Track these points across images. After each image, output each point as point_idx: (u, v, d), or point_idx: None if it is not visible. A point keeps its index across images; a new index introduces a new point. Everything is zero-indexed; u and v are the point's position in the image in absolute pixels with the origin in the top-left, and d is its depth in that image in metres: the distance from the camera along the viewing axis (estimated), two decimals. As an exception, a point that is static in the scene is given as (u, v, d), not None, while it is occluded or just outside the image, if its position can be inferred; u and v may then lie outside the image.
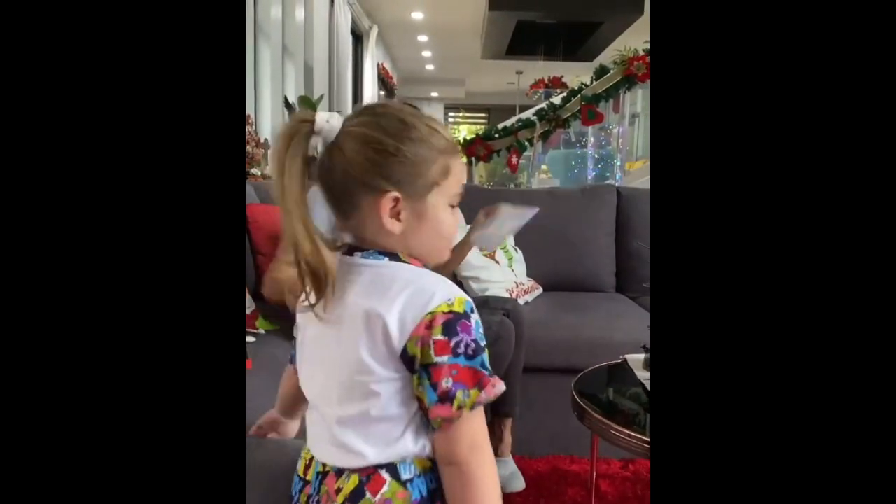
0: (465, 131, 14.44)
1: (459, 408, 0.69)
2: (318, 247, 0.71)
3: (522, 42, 7.68)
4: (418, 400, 0.71)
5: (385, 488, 0.72)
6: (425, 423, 0.72)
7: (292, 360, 0.93)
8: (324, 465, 0.77)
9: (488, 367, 0.71)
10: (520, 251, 2.46)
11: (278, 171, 0.71)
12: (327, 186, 0.75)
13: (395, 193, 0.73)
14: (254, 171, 3.42)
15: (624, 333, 1.91)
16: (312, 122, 0.72)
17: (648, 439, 1.16)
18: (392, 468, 0.73)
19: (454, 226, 0.80)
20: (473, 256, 2.22)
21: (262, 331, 1.77)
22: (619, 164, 5.87)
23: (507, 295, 2.15)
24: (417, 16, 7.78)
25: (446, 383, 0.69)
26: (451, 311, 0.70)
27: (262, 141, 3.75)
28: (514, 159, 5.17)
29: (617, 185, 3.06)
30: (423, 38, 9.04)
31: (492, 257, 2.28)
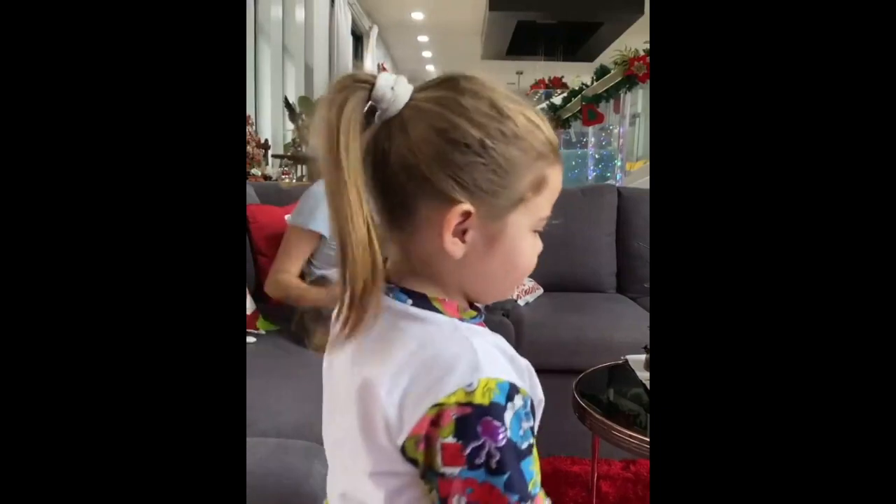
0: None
1: None
2: (378, 265, 0.51)
3: (523, 42, 7.68)
4: None
5: None
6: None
7: None
8: None
9: (525, 482, 0.50)
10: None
11: (328, 149, 0.50)
12: (376, 175, 0.54)
13: (468, 207, 0.53)
14: (254, 171, 3.42)
15: (625, 334, 1.91)
16: (371, 85, 0.52)
17: (649, 440, 1.16)
18: None
19: (533, 258, 0.59)
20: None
21: (262, 331, 1.77)
22: (619, 164, 5.88)
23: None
24: (418, 16, 7.79)
25: (458, 503, 0.49)
26: (469, 403, 0.49)
27: (262, 141, 3.75)
28: (515, 159, 5.16)
29: (618, 185, 3.06)
30: (423, 39, 9.05)
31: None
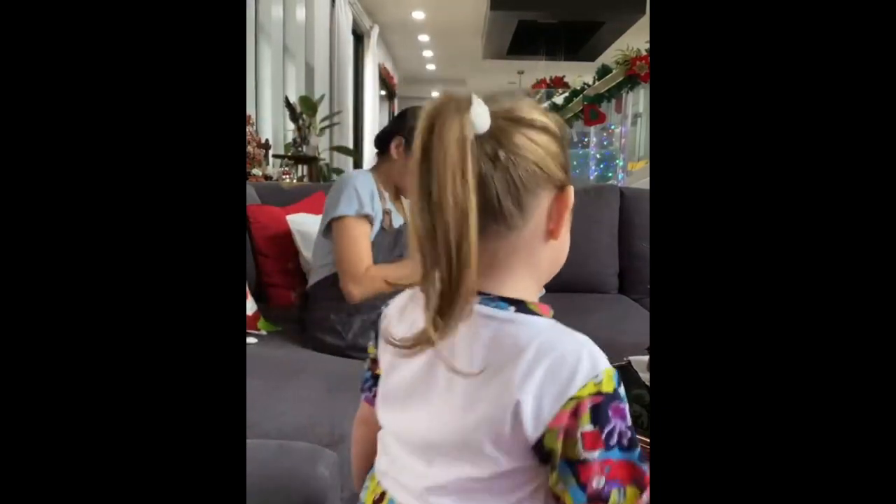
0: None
1: None
2: (473, 261, 0.55)
3: (524, 42, 7.68)
4: (555, 497, 0.59)
5: None
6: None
7: (364, 389, 0.78)
8: None
9: (643, 453, 0.59)
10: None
11: (458, 164, 0.54)
12: (483, 184, 0.58)
13: (571, 188, 0.63)
14: (254, 171, 3.42)
15: (627, 335, 1.90)
16: (469, 104, 0.57)
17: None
18: None
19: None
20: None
21: (263, 332, 1.77)
22: (621, 164, 5.88)
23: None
24: (418, 15, 7.79)
25: (598, 483, 0.56)
26: (599, 393, 0.56)
27: (263, 141, 3.75)
28: (516, 159, 5.17)
29: (619, 185, 3.05)
30: (424, 38, 9.05)
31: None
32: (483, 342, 0.59)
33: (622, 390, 0.58)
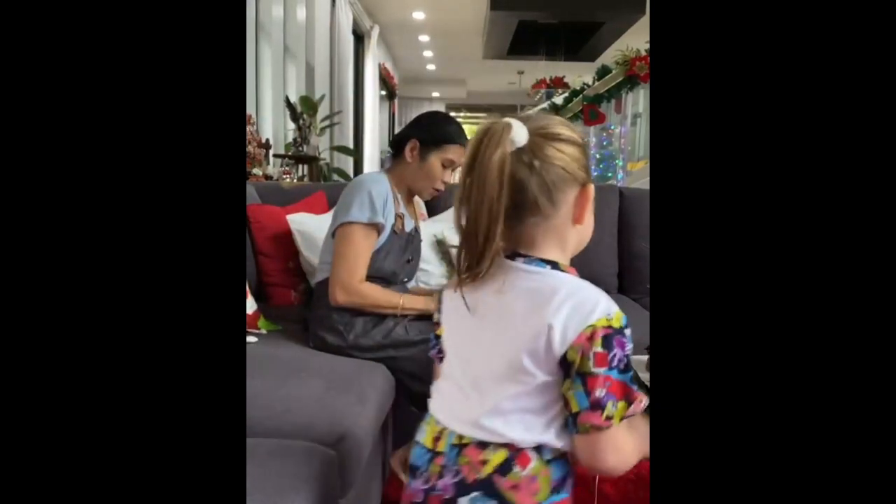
0: (466, 131, 14.43)
1: (608, 418, 0.74)
2: (498, 233, 0.76)
3: (524, 42, 7.67)
4: (565, 401, 0.77)
5: (532, 465, 0.78)
6: (566, 421, 0.78)
7: (432, 349, 0.97)
8: (460, 437, 0.81)
9: (635, 383, 0.77)
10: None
11: (498, 171, 0.74)
12: (515, 187, 0.77)
13: (592, 186, 0.83)
14: (255, 171, 3.42)
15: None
16: (510, 127, 0.77)
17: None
18: (537, 449, 0.78)
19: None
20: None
21: (263, 331, 1.77)
22: (621, 164, 5.87)
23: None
24: (419, 15, 7.79)
25: (599, 393, 0.73)
26: (609, 326, 0.74)
27: (263, 141, 3.75)
28: (516, 159, 5.17)
29: (619, 185, 3.05)
30: (424, 38, 9.04)
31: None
32: (525, 288, 0.79)
33: (628, 332, 0.76)
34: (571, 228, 0.83)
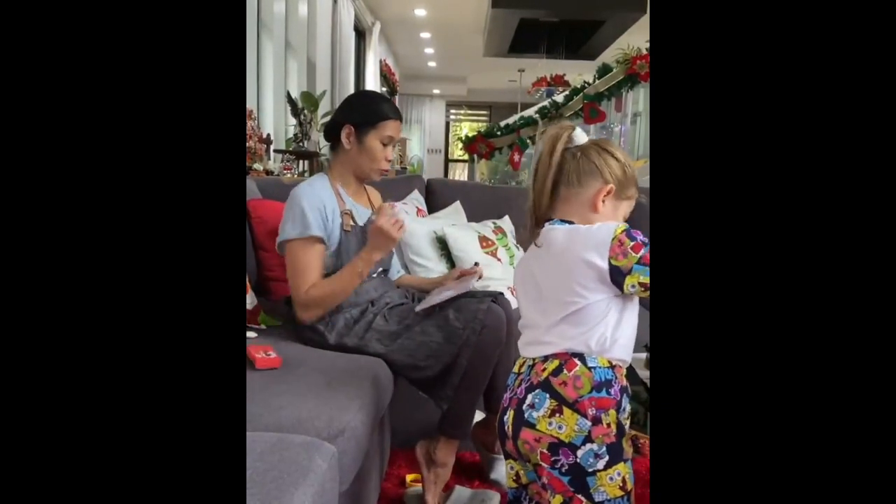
0: (466, 129, 14.43)
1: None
2: (544, 204, 1.11)
3: (525, 40, 7.67)
4: (641, 285, 1.00)
5: (577, 369, 1.02)
6: (608, 333, 1.04)
7: None
8: (533, 360, 1.08)
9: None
10: (521, 249, 2.46)
11: (549, 154, 1.10)
12: (562, 172, 1.11)
13: (612, 186, 1.10)
14: (256, 166, 3.42)
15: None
16: (573, 129, 1.12)
17: (649, 438, 1.16)
18: (582, 357, 1.03)
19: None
20: (475, 253, 2.23)
21: (263, 326, 1.78)
22: (621, 162, 5.86)
23: (508, 293, 2.15)
24: (420, 13, 7.78)
25: (644, 260, 0.99)
26: (624, 230, 1.01)
27: (264, 136, 3.75)
28: (516, 157, 5.17)
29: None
30: (425, 35, 9.04)
31: (493, 255, 2.28)
32: (562, 239, 1.07)
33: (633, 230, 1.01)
34: (590, 213, 1.10)
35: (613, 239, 1.00)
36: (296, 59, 5.36)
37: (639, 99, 5.61)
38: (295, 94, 4.16)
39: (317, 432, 1.12)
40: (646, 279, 0.99)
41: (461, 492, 1.65)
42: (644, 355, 1.58)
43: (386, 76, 9.28)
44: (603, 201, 1.09)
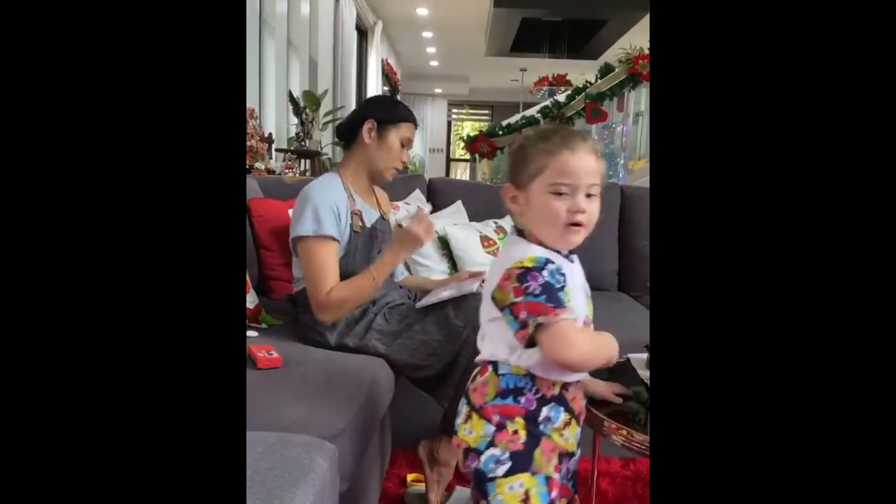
0: (468, 128, 14.43)
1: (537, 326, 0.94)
2: None
3: (527, 39, 7.67)
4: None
5: (486, 375, 1.01)
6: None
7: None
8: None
9: (557, 300, 0.92)
10: (522, 249, 2.46)
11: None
12: None
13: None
14: (257, 165, 3.42)
15: (626, 332, 1.90)
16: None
17: (649, 438, 1.16)
18: (496, 364, 1.01)
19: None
20: (477, 253, 2.23)
21: (264, 325, 1.78)
22: (622, 162, 5.86)
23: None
24: (422, 12, 7.78)
25: (523, 315, 0.92)
26: (522, 267, 0.93)
27: (266, 135, 3.75)
28: (518, 156, 5.16)
29: (620, 183, 3.05)
30: (427, 34, 9.03)
31: (495, 254, 2.28)
32: (507, 245, 1.07)
33: (548, 267, 0.93)
34: (518, 219, 1.04)
35: (508, 268, 0.94)
36: (298, 57, 5.36)
37: (641, 99, 5.61)
38: (297, 94, 4.16)
39: (318, 432, 1.12)
40: (520, 334, 0.93)
41: (462, 492, 1.65)
42: (644, 355, 1.57)
43: (388, 75, 9.28)
44: (512, 200, 1.02)
